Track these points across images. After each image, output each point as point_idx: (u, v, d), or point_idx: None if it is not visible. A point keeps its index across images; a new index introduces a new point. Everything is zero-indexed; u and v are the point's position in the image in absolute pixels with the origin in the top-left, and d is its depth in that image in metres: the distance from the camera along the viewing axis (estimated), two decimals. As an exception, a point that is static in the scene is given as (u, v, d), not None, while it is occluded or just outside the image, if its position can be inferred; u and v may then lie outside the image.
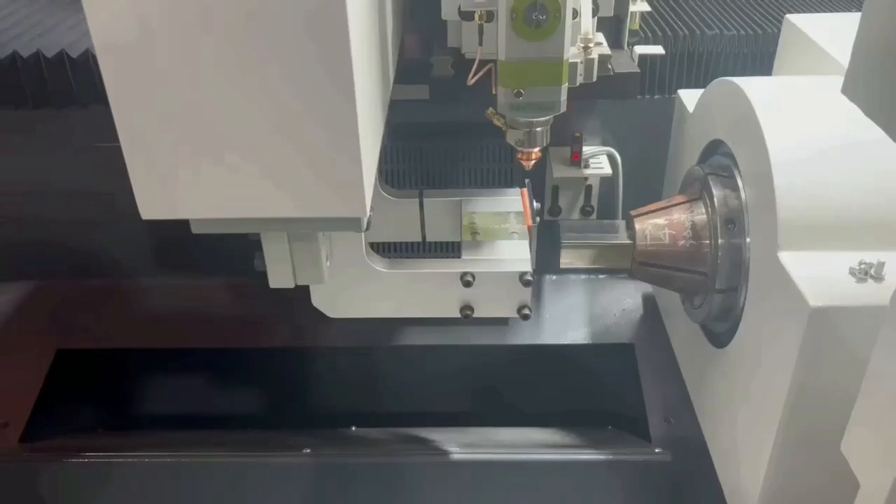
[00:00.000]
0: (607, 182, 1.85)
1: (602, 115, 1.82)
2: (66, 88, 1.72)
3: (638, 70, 1.44)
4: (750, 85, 1.29)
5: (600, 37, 1.42)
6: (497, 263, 1.38)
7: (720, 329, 1.37)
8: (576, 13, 1.16)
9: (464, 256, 1.42)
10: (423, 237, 1.61)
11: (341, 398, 1.95)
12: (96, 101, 1.69)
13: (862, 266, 1.05)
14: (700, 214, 1.35)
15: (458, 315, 1.40)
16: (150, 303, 1.97)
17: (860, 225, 1.11)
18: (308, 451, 1.57)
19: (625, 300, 1.97)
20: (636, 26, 1.58)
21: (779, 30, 1.69)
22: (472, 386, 1.94)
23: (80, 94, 1.72)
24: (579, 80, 1.23)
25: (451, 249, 1.85)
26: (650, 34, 1.78)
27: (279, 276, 1.24)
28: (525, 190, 1.50)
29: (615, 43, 1.48)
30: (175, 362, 1.88)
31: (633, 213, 1.43)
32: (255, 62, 0.87)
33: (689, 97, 1.62)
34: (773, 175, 1.14)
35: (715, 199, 1.31)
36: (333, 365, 1.93)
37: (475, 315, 1.39)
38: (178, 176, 0.95)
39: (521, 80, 1.14)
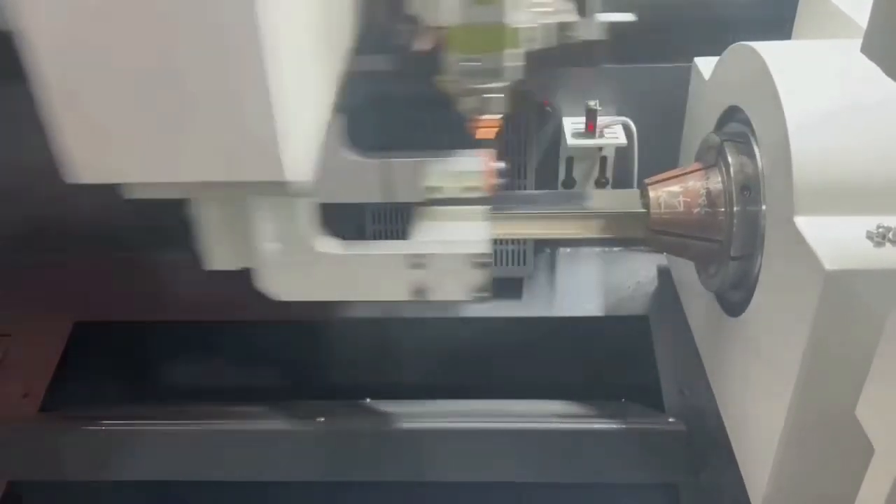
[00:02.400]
0: (622, 152, 1.83)
1: (617, 84, 1.80)
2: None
3: (603, 37, 1.41)
4: (767, 49, 1.27)
5: (563, 3, 1.38)
6: (450, 245, 1.30)
7: (735, 297, 1.35)
8: None
9: (416, 238, 1.34)
10: (386, 198, 1.59)
11: (355, 370, 1.96)
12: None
13: (880, 230, 1.03)
14: (715, 182, 1.33)
15: (410, 298, 1.31)
16: (168, 275, 1.99)
17: (878, 189, 1.09)
18: (322, 419, 1.58)
19: (639, 273, 1.96)
20: None
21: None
22: (485, 358, 1.95)
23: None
24: (534, 45, 1.20)
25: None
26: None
27: (218, 258, 1.18)
28: (489, 151, 1.48)
29: (583, 10, 1.44)
30: (191, 335, 1.90)
31: (647, 181, 1.41)
32: (166, 17, 0.83)
33: (706, 64, 1.59)
34: (789, 138, 1.12)
35: (730, 166, 1.29)
36: (347, 337, 1.94)
37: (428, 299, 1.31)
38: (105, 139, 0.91)
39: (470, 45, 1.12)
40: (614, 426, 1.65)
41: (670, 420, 1.62)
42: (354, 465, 1.75)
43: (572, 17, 1.34)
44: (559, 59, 1.33)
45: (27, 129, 1.91)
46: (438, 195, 1.39)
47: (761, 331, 1.25)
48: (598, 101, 1.75)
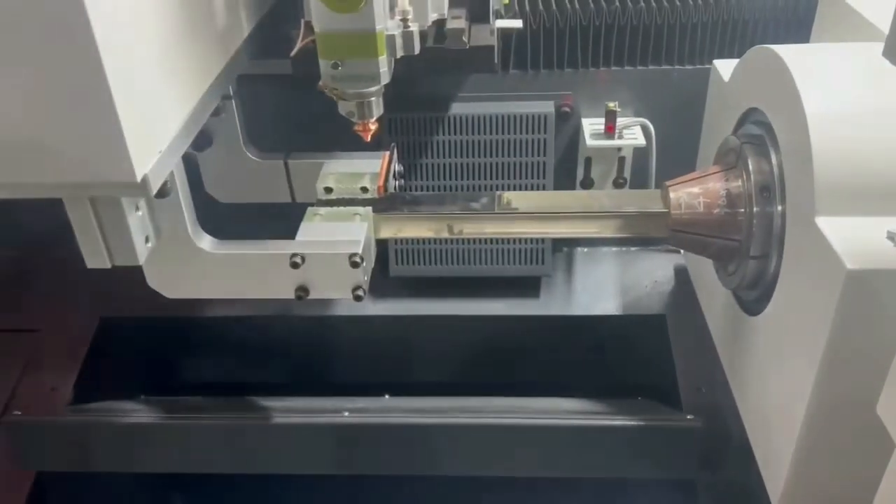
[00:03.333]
0: (640, 153, 1.85)
1: (636, 86, 1.82)
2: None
3: (492, 43, 1.45)
4: (788, 52, 1.28)
5: (454, 10, 1.44)
6: (327, 245, 1.33)
7: (754, 296, 1.37)
8: None
9: (298, 237, 1.37)
10: (293, 197, 1.64)
11: (376, 367, 1.99)
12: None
13: (900, 230, 1.05)
14: (735, 183, 1.35)
15: (292, 296, 1.35)
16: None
17: (899, 190, 1.11)
18: (347, 413, 1.61)
19: (656, 272, 1.98)
20: (507, 1, 1.62)
21: (817, -3, 1.67)
22: (503, 356, 1.97)
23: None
24: (399, 52, 1.23)
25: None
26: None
27: (93, 256, 1.17)
28: (388, 153, 1.52)
29: (480, 17, 1.51)
30: (217, 330, 1.92)
31: (667, 183, 1.43)
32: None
33: (725, 67, 1.61)
34: (810, 140, 1.13)
35: (750, 167, 1.31)
36: (368, 334, 1.97)
37: (310, 297, 1.35)
38: None
39: (337, 51, 1.16)
40: (631, 423, 1.67)
41: (688, 417, 1.64)
42: (375, 460, 1.78)
43: (461, 23, 1.40)
44: (453, 64, 1.40)
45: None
46: (332, 196, 1.44)
47: (781, 329, 1.26)
48: (617, 103, 1.77)
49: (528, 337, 1.96)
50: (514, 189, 1.83)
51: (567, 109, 1.84)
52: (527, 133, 1.80)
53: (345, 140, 1.41)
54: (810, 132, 1.14)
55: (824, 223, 1.11)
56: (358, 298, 1.33)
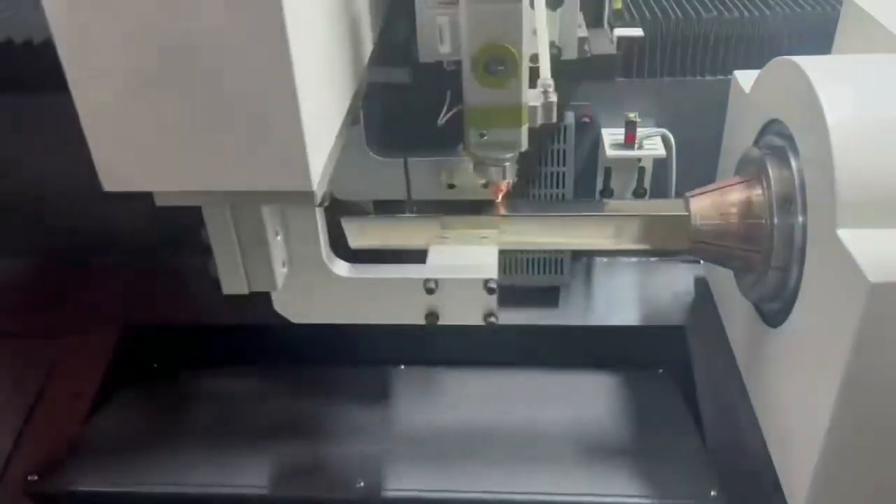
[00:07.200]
0: (660, 163, 1.85)
1: (656, 96, 1.82)
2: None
3: (615, 52, 1.47)
4: (809, 63, 1.28)
5: (580, 21, 1.46)
6: (462, 269, 1.31)
7: (775, 308, 1.37)
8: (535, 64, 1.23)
9: (429, 262, 1.35)
10: (409, 195, 1.66)
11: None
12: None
13: (924, 243, 1.04)
14: (756, 194, 1.35)
15: (423, 322, 1.34)
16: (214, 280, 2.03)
17: (923, 202, 1.10)
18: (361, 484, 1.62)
19: (676, 283, 1.98)
20: (619, 5, 1.62)
21: (838, 8, 1.66)
22: (522, 366, 1.97)
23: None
24: (540, 121, 1.28)
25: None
26: (702, 11, 1.76)
27: (231, 282, 1.19)
28: None
29: (596, 22, 1.52)
30: (240, 337, 1.93)
31: (688, 193, 1.43)
32: (188, 36, 0.85)
33: (746, 78, 1.61)
34: (832, 152, 1.13)
35: (771, 178, 1.31)
36: (385, 343, 1.97)
37: (440, 322, 1.33)
38: (135, 149, 0.94)
39: (484, 122, 1.24)
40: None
41: (707, 431, 1.63)
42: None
43: (583, 32, 1.43)
44: (574, 73, 1.42)
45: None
46: (455, 190, 1.48)
47: (802, 342, 1.26)
48: (637, 113, 1.77)
49: (544, 347, 1.95)
50: (532, 199, 1.83)
51: (587, 120, 1.85)
52: (546, 143, 1.80)
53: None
54: (832, 143, 1.14)
55: (846, 235, 1.10)
56: (490, 325, 1.33)
